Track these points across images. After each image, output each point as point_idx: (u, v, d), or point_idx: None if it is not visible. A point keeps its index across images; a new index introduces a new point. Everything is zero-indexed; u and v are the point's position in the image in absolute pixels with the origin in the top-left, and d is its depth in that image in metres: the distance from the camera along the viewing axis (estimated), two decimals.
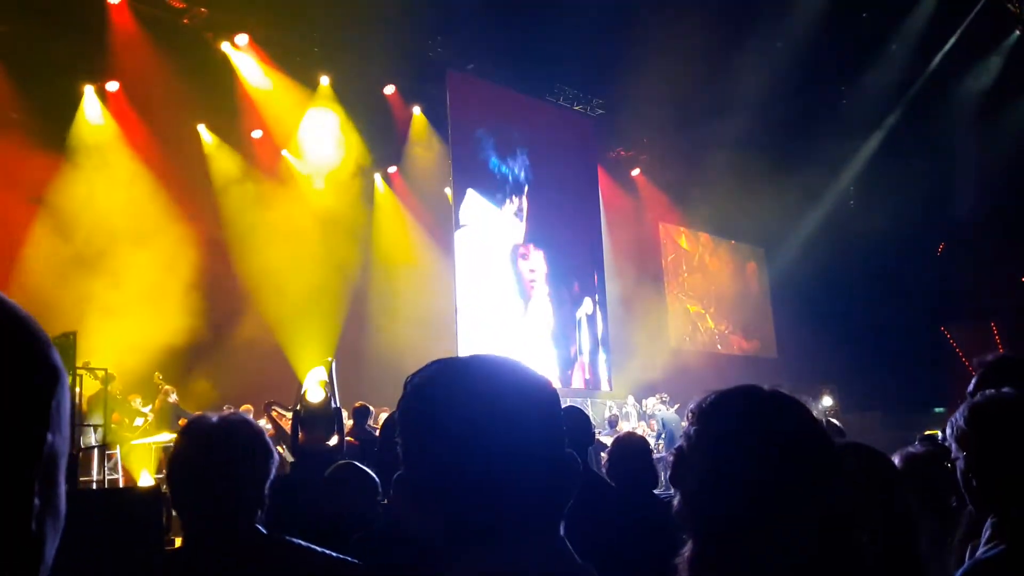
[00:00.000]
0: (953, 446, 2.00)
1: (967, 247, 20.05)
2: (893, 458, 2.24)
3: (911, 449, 2.72)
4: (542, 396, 1.22)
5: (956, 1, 17.66)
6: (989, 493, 1.92)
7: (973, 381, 2.48)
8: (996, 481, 1.90)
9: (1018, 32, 18.18)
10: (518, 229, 17.22)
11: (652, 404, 16.64)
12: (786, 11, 17.26)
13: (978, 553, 1.89)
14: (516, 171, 17.37)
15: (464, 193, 16.34)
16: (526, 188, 17.50)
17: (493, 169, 16.89)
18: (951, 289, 20.14)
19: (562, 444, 1.22)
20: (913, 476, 2.39)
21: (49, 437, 0.75)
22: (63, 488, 0.78)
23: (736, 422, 1.32)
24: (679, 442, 1.38)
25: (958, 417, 1.99)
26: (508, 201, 17.12)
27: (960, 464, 1.98)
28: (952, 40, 18.53)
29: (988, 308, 20.59)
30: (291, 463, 9.03)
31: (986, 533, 1.92)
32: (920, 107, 19.72)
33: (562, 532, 1.20)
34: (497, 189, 16.98)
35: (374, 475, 3.94)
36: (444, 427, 1.16)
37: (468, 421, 1.15)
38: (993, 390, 2.02)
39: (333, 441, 8.74)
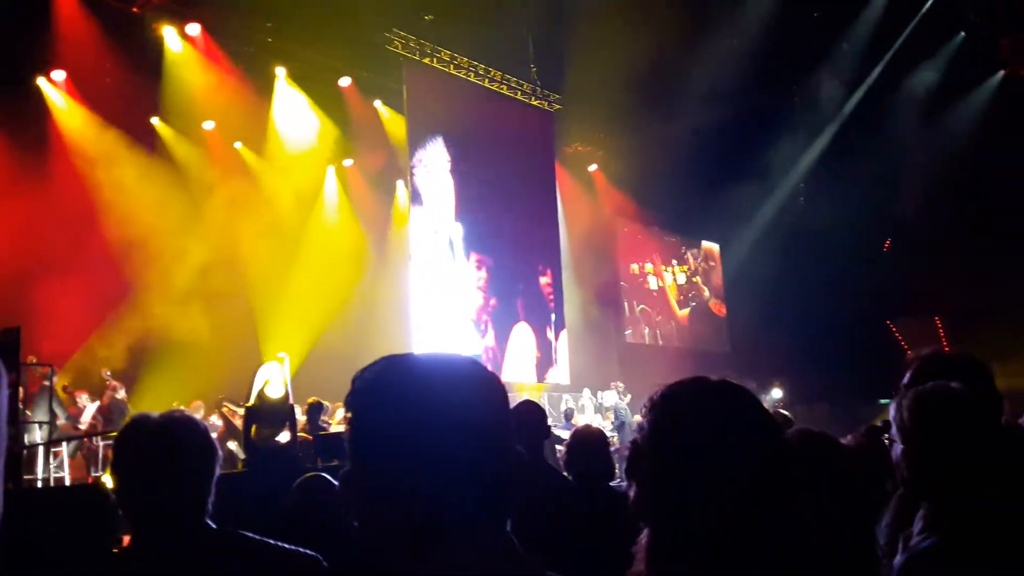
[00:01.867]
0: (894, 434, 2.04)
1: (912, 244, 20.43)
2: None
3: (846, 440, 2.78)
4: (490, 392, 1.21)
5: (905, 2, 17.94)
6: (926, 482, 1.97)
7: (907, 375, 2.52)
8: (934, 472, 1.94)
9: (963, 33, 18.53)
10: (471, 226, 17.16)
11: (609, 396, 16.74)
12: (740, 9, 17.43)
13: (912, 543, 1.93)
14: (462, 168, 17.26)
15: (424, 198, 16.25)
16: (477, 184, 17.42)
17: (436, 167, 16.75)
18: (897, 285, 20.51)
19: (510, 440, 1.21)
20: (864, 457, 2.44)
21: None
22: (1, 486, 0.75)
23: (687, 413, 1.33)
24: (634, 434, 1.39)
25: (902, 406, 2.03)
26: (452, 200, 17.01)
27: (899, 452, 2.02)
28: (900, 41, 18.85)
29: (932, 304, 21.01)
30: (243, 459, 8.93)
31: (918, 523, 1.96)
32: (868, 106, 20.05)
33: (509, 527, 1.19)
34: (441, 189, 16.86)
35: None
36: (390, 424, 1.16)
37: (414, 417, 1.14)
38: (937, 382, 2.05)
39: (285, 437, 8.65)
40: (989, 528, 1.84)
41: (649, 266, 23.34)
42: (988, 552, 1.81)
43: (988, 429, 1.95)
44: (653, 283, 23.42)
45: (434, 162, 16.60)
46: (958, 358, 2.57)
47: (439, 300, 15.99)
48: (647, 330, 22.64)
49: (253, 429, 8.56)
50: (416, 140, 16.25)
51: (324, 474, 3.97)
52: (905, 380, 2.43)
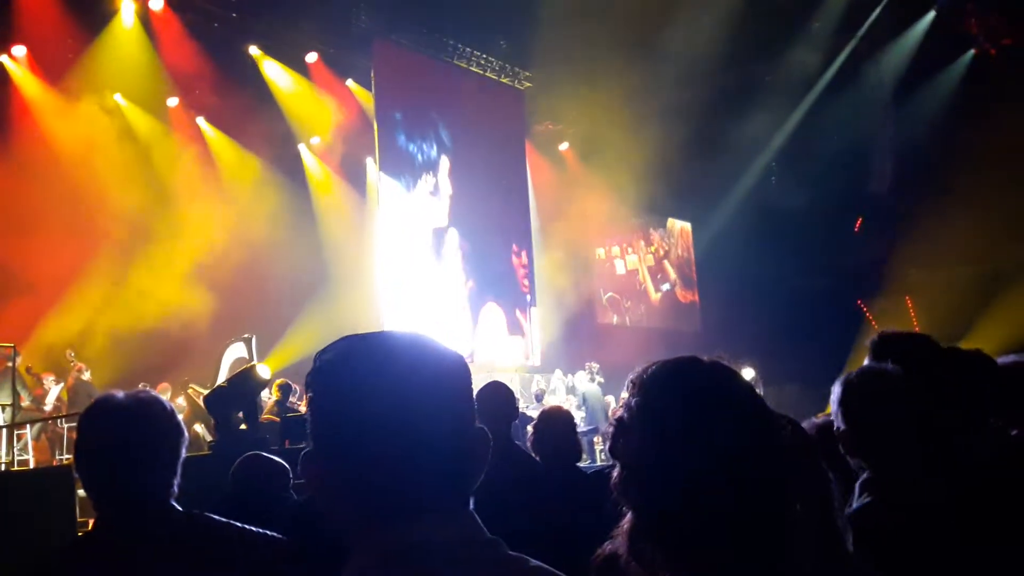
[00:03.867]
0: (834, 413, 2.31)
1: (883, 223, 20.60)
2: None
3: (815, 420, 2.88)
4: (451, 371, 1.22)
5: None
6: (857, 455, 2.24)
7: (867, 359, 2.64)
8: (861, 445, 2.22)
9: (933, 12, 18.65)
10: (439, 209, 17.07)
11: (579, 377, 16.77)
12: None
13: (852, 507, 2.16)
14: (432, 149, 17.15)
15: (386, 175, 16.15)
16: (447, 165, 17.35)
17: (404, 148, 16.63)
18: (868, 264, 20.69)
19: (471, 419, 1.22)
20: (822, 444, 2.51)
21: None
22: None
23: (680, 392, 1.31)
24: (620, 412, 1.36)
25: (833, 390, 2.30)
26: (422, 181, 16.90)
27: (839, 432, 2.28)
28: (871, 19, 18.94)
29: (903, 283, 21.24)
30: (209, 442, 8.84)
31: (857, 488, 2.22)
32: (839, 85, 20.13)
33: (472, 506, 1.20)
34: (410, 169, 16.72)
35: (282, 461, 3.91)
36: (350, 403, 1.16)
37: (374, 397, 1.15)
38: (866, 364, 2.36)
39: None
40: (908, 489, 2.11)
41: (616, 249, 23.33)
42: (908, 507, 2.07)
43: (905, 405, 2.17)
44: (620, 267, 23.43)
45: (391, 150, 16.49)
46: (910, 337, 2.76)
47: (422, 287, 15.91)
48: (615, 318, 22.69)
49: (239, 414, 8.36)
50: (380, 119, 16.09)
51: (263, 453, 3.96)
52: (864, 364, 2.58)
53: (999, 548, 2.00)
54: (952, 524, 2.02)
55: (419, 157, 16.80)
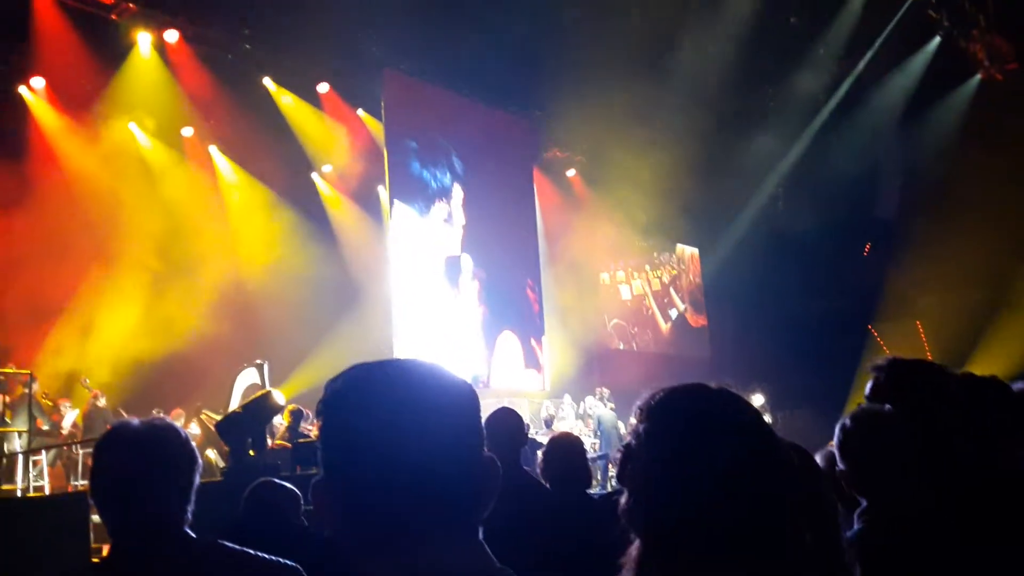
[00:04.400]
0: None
1: (892, 248, 20.55)
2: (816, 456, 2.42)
3: (829, 448, 2.87)
4: (461, 399, 1.22)
5: (880, 7, 18.07)
6: (858, 492, 2.37)
7: (868, 386, 2.66)
8: (860, 483, 2.36)
9: (939, 37, 18.70)
10: (451, 236, 17.14)
11: (590, 402, 16.74)
12: (717, 15, 17.51)
13: (849, 533, 2.27)
14: (445, 177, 17.24)
15: (392, 203, 16.23)
16: (460, 193, 17.43)
17: (419, 175, 16.70)
18: (878, 289, 20.62)
19: (480, 447, 1.22)
20: (831, 473, 2.55)
21: None
22: None
23: (687, 420, 1.31)
24: (627, 439, 1.37)
25: (836, 432, 2.43)
26: (435, 208, 16.99)
27: (839, 471, 2.41)
28: (876, 45, 18.99)
29: (913, 307, 21.15)
30: (222, 469, 8.86)
31: (855, 519, 2.34)
32: (845, 110, 20.17)
33: (481, 535, 1.20)
34: (424, 196, 16.80)
35: (293, 488, 3.92)
36: (360, 431, 1.17)
37: (384, 425, 1.15)
38: (862, 407, 2.49)
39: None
40: (901, 521, 2.21)
41: (621, 274, 23.22)
42: (900, 535, 2.17)
43: (899, 446, 2.31)
44: (626, 292, 23.31)
45: (405, 177, 16.62)
46: (912, 366, 2.71)
47: (437, 314, 15.93)
48: (622, 345, 22.61)
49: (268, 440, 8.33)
50: (392, 147, 16.19)
51: (274, 480, 3.97)
52: (867, 393, 2.66)
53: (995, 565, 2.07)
54: (947, 548, 2.09)
55: (432, 184, 16.87)
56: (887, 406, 2.41)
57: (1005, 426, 2.64)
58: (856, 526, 2.30)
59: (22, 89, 13.49)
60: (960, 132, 19.45)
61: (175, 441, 2.02)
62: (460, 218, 17.29)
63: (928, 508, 2.20)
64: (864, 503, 2.34)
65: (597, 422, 15.44)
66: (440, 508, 1.16)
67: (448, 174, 17.23)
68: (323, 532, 1.21)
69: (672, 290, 24.61)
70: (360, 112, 17.18)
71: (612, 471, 13.77)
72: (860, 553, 2.09)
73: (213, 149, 15.85)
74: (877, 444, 2.33)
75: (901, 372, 2.64)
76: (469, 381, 1.27)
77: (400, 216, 15.99)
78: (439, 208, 16.94)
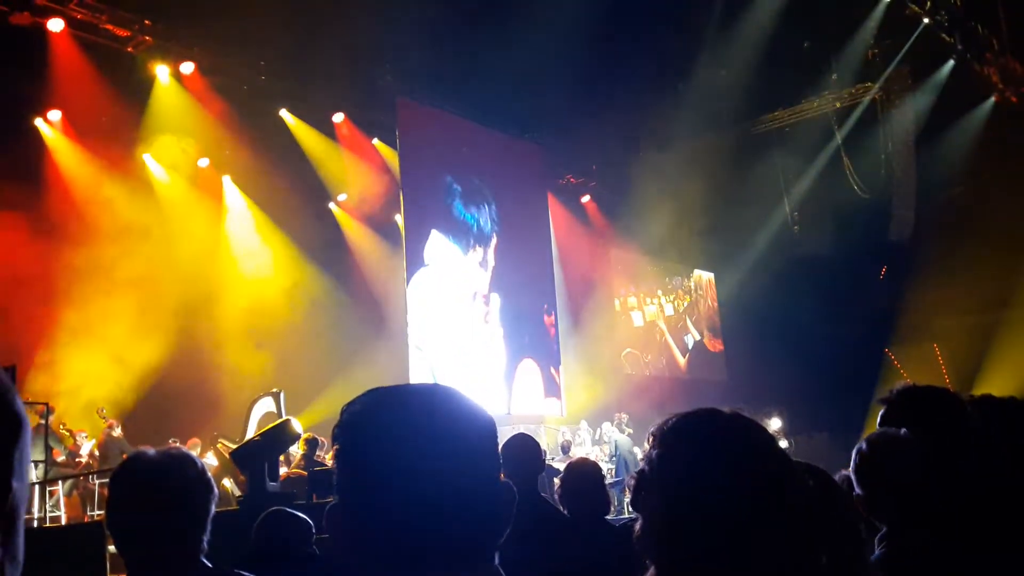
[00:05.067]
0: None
1: (908, 270, 20.46)
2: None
3: (845, 472, 2.86)
4: (477, 426, 1.21)
5: (894, 31, 18.12)
6: (874, 516, 2.34)
7: (881, 413, 2.63)
8: (876, 508, 2.33)
9: (952, 61, 18.71)
10: (470, 264, 17.20)
11: (607, 428, 16.67)
12: (730, 40, 17.59)
13: (873, 556, 2.25)
14: (481, 218, 17.38)
15: (428, 233, 16.29)
16: (494, 235, 17.55)
17: (433, 204, 16.80)
18: (894, 312, 20.52)
19: (496, 474, 1.21)
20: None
21: (14, 484, 0.73)
22: (23, 535, 0.76)
23: (699, 445, 1.31)
24: (640, 465, 1.36)
25: (853, 456, 2.42)
26: (472, 248, 17.09)
27: (856, 496, 2.38)
28: (890, 68, 19.02)
29: (930, 330, 21.02)
30: (238, 497, 8.84)
31: (876, 544, 2.30)
32: (861, 133, 20.17)
33: (497, 561, 1.19)
34: (461, 234, 16.93)
35: (305, 517, 3.91)
36: (376, 456, 1.16)
37: (400, 450, 1.15)
38: (878, 431, 2.45)
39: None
40: (919, 545, 2.20)
41: (633, 300, 23.13)
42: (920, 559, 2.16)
43: (915, 471, 2.28)
44: (639, 318, 23.23)
45: (437, 209, 16.76)
46: (925, 392, 2.69)
47: (438, 342, 15.95)
48: (634, 371, 22.49)
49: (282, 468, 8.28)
50: (409, 175, 16.27)
51: (286, 509, 3.96)
52: (879, 421, 2.61)
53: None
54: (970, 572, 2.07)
55: (446, 212, 16.93)
56: (903, 430, 2.38)
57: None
58: (877, 551, 2.28)
59: (38, 121, 13.63)
60: (975, 154, 19.42)
61: (191, 471, 2.02)
62: (489, 247, 17.39)
63: (947, 533, 2.19)
64: (884, 528, 2.32)
65: (614, 447, 15.37)
66: (456, 534, 1.15)
67: (460, 200, 17.28)
68: (334, 559, 1.20)
69: (688, 318, 24.52)
70: (376, 141, 17.29)
71: (627, 497, 13.69)
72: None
73: (228, 179, 15.92)
74: (893, 469, 2.31)
75: (912, 400, 2.62)
76: (488, 411, 1.26)
77: (413, 243, 16.04)
78: (457, 235, 17.00)
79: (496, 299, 17.44)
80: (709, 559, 1.24)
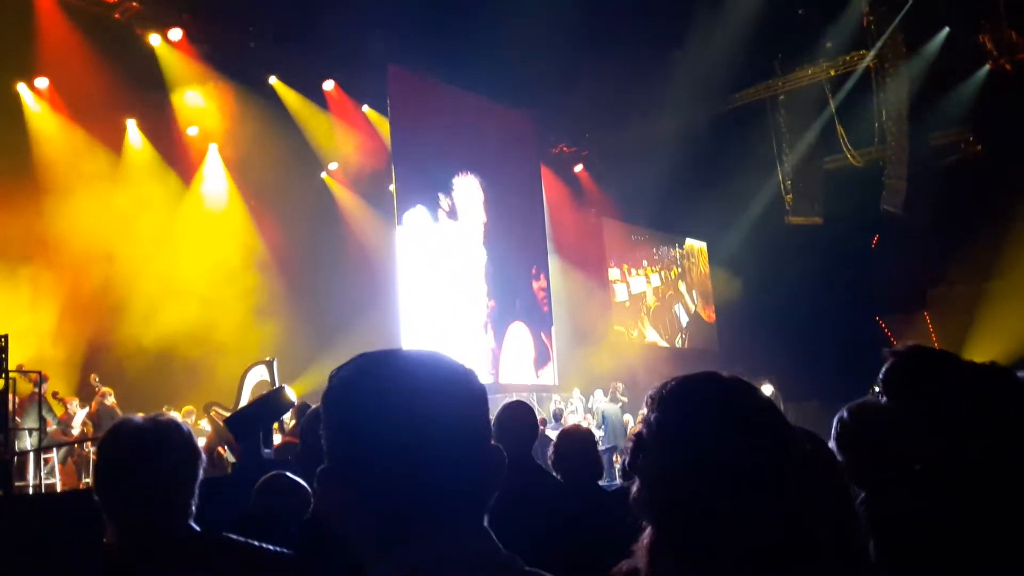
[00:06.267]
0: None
1: (900, 240, 20.49)
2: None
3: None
4: (467, 389, 1.22)
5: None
6: (855, 482, 2.33)
7: (884, 369, 2.67)
8: (857, 475, 2.36)
9: (947, 29, 18.62)
10: (458, 231, 17.13)
11: (598, 397, 16.75)
12: (724, 8, 17.47)
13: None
14: (449, 173, 17.23)
15: (419, 201, 16.21)
16: (466, 187, 17.41)
17: (426, 172, 16.68)
18: (886, 281, 20.57)
19: (486, 437, 1.22)
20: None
21: None
22: None
23: (698, 408, 1.32)
24: (639, 429, 1.37)
25: (834, 424, 2.49)
26: (441, 203, 16.97)
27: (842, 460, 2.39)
28: (884, 36, 18.92)
29: (921, 299, 21.10)
30: (232, 464, 8.86)
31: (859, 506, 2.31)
32: (854, 102, 20.11)
33: (486, 523, 1.20)
34: (431, 193, 16.76)
35: (303, 483, 3.92)
36: (365, 419, 1.17)
37: (389, 413, 1.15)
38: (862, 402, 2.52)
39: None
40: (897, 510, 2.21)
41: (629, 269, 23.11)
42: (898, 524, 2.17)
43: (894, 440, 2.36)
44: (636, 285, 23.19)
45: (449, 180, 16.71)
46: (930, 354, 2.73)
47: (428, 309, 15.94)
48: (635, 329, 22.54)
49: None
50: (400, 145, 16.16)
51: (286, 473, 3.97)
52: (880, 376, 2.67)
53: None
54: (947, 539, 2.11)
55: (438, 180, 16.84)
56: (883, 399, 2.51)
57: (1012, 414, 2.61)
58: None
59: (22, 88, 13.49)
60: (969, 123, 19.39)
61: (177, 437, 2.03)
62: (467, 212, 17.26)
63: (926, 497, 2.23)
64: (863, 494, 2.37)
65: (601, 417, 15.46)
66: (446, 497, 1.16)
67: (453, 170, 17.18)
68: (324, 523, 1.20)
69: (683, 287, 24.55)
70: (365, 108, 17.17)
71: (617, 463, 13.79)
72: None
73: (214, 147, 15.82)
74: (871, 438, 2.39)
75: (919, 360, 2.66)
76: (479, 376, 1.26)
77: (406, 211, 15.98)
78: (444, 203, 16.91)
79: (487, 265, 17.40)
80: (707, 521, 1.25)
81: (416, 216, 16.18)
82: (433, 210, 16.59)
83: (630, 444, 1.39)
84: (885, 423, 2.41)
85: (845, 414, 2.48)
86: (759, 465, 1.26)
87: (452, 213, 17.03)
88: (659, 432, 1.32)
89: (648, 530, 1.33)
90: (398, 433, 1.14)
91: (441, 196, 16.84)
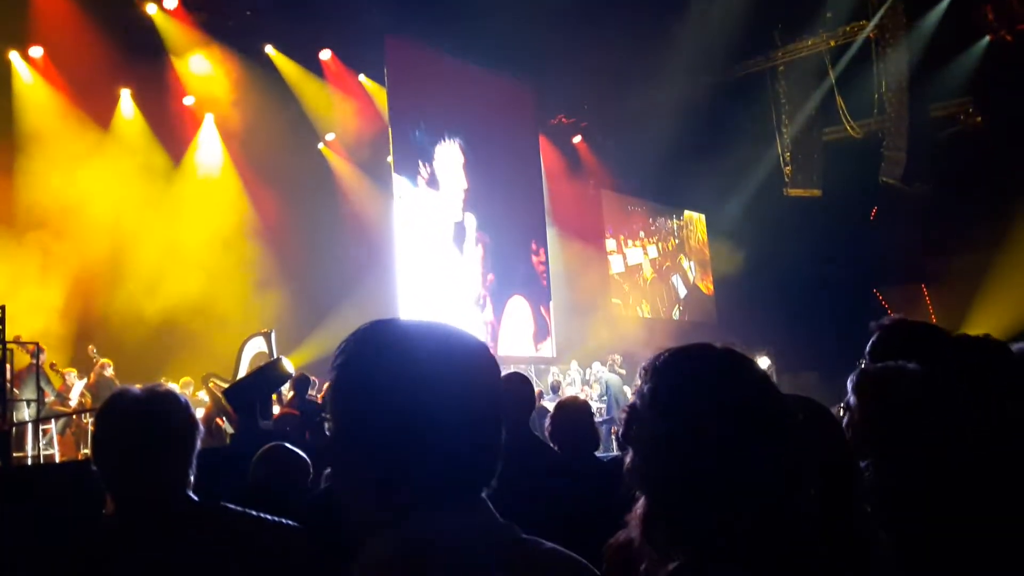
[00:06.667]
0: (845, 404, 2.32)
1: (899, 212, 20.47)
2: None
3: (834, 409, 2.81)
4: (477, 363, 1.22)
5: None
6: (864, 449, 2.20)
7: (871, 341, 2.65)
8: (866, 441, 2.21)
9: (947, 0, 18.48)
10: (457, 203, 17.08)
11: (597, 368, 16.78)
12: None
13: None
14: (448, 143, 17.13)
15: (416, 172, 16.14)
16: (464, 159, 17.34)
17: (422, 143, 16.57)
18: (884, 252, 20.57)
19: (496, 409, 1.22)
20: None
21: None
22: None
23: (692, 379, 1.32)
24: (632, 399, 1.37)
25: (848, 381, 2.31)
26: (440, 175, 16.89)
27: (847, 424, 2.25)
28: (884, 7, 18.80)
29: (919, 270, 21.11)
30: (231, 435, 8.90)
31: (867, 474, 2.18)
32: (853, 73, 20.00)
33: (484, 494, 1.20)
34: (427, 163, 16.68)
35: (303, 454, 3.94)
36: (374, 383, 1.17)
37: (396, 384, 1.15)
38: (889, 362, 2.30)
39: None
40: (914, 489, 2.07)
41: (626, 241, 23.05)
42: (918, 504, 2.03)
43: (920, 407, 2.15)
44: (632, 257, 23.10)
45: (447, 151, 16.57)
46: (916, 327, 2.70)
47: (444, 281, 15.91)
48: (627, 310, 22.49)
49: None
50: (396, 116, 16.06)
51: (285, 445, 3.98)
52: (867, 348, 2.63)
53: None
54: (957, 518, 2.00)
55: (436, 151, 16.77)
56: (911, 364, 2.25)
57: (1006, 387, 2.59)
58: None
59: (14, 56, 13.39)
60: (969, 94, 19.31)
61: (175, 407, 2.03)
62: (464, 184, 17.20)
63: (940, 471, 2.09)
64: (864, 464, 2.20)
65: (605, 387, 15.51)
66: (448, 470, 1.16)
67: (452, 140, 17.12)
68: (328, 495, 1.20)
69: (681, 259, 24.54)
70: (362, 78, 17.06)
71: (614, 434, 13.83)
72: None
73: (210, 117, 15.73)
74: (891, 399, 2.19)
75: (903, 332, 2.63)
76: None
77: (404, 183, 15.92)
78: (443, 175, 16.86)
79: (486, 237, 17.38)
80: (699, 491, 1.26)
81: (413, 187, 16.13)
82: (432, 182, 16.53)
83: (624, 415, 1.39)
84: (909, 385, 2.19)
85: (861, 375, 2.30)
86: (750, 436, 1.26)
87: (450, 184, 16.97)
88: (652, 403, 1.33)
89: (641, 500, 1.34)
90: (403, 399, 1.14)
91: (439, 167, 16.78)
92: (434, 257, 16.17)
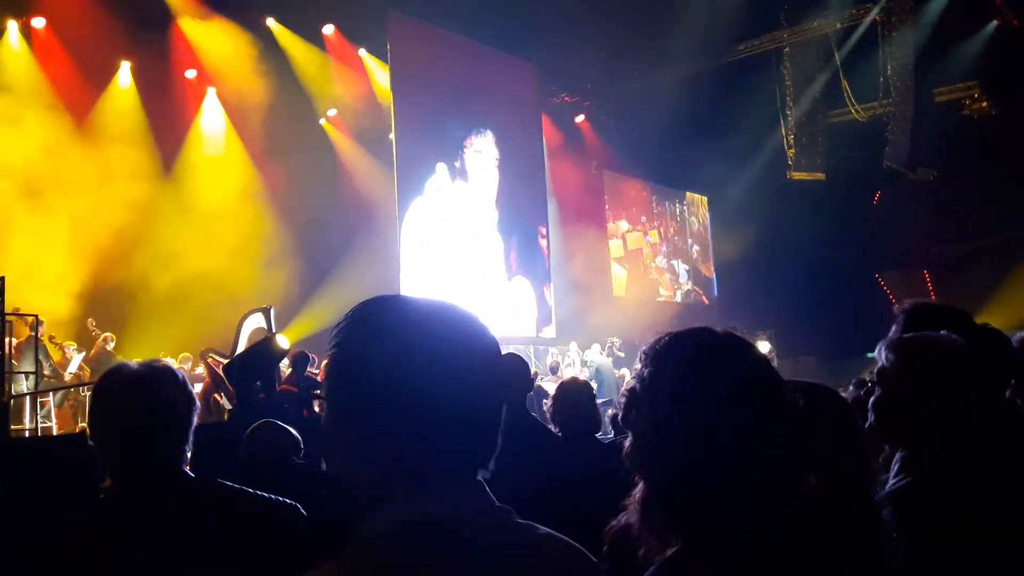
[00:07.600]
0: (874, 378, 2.13)
1: (902, 197, 20.43)
2: None
3: (844, 394, 2.73)
4: (477, 343, 1.20)
5: None
6: (902, 428, 2.04)
7: (893, 328, 2.56)
8: (909, 417, 2.02)
9: None
10: (459, 181, 17.04)
11: (594, 351, 16.80)
12: None
13: (887, 486, 2.00)
14: (451, 122, 17.07)
15: (418, 148, 16.10)
16: (469, 137, 17.30)
17: (424, 120, 16.49)
18: (886, 237, 20.55)
19: (496, 390, 1.20)
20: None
21: None
22: None
23: (691, 363, 1.31)
24: (632, 383, 1.36)
25: (882, 353, 2.09)
26: (442, 152, 16.84)
27: (878, 399, 2.09)
28: None
29: (921, 256, 21.10)
30: (229, 411, 8.88)
31: (895, 467, 2.05)
32: (859, 56, 19.91)
33: (480, 477, 1.19)
34: (429, 140, 16.62)
35: (293, 431, 3.93)
36: (374, 359, 1.15)
37: (395, 364, 1.13)
38: (925, 332, 2.11)
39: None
40: (959, 471, 1.92)
41: (626, 224, 22.95)
42: (957, 493, 1.89)
43: (966, 378, 1.99)
44: (620, 246, 23.04)
45: (449, 129, 16.58)
46: (943, 309, 2.61)
47: (445, 259, 15.92)
48: (633, 282, 22.50)
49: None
50: (401, 92, 15.99)
51: (276, 422, 3.98)
52: (891, 334, 2.44)
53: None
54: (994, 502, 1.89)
55: (438, 129, 16.71)
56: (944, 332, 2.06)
57: (1006, 376, 2.56)
58: (892, 481, 2.02)
59: (11, 24, 13.31)
60: (975, 79, 19.22)
61: (172, 383, 2.03)
62: (464, 160, 17.15)
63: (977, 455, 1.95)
64: (903, 451, 2.08)
65: (595, 371, 15.51)
66: (446, 450, 1.15)
67: (455, 119, 17.05)
68: (321, 473, 1.19)
69: (682, 241, 24.50)
70: (362, 52, 16.96)
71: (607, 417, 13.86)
72: (906, 513, 1.78)
73: (212, 91, 15.66)
74: (939, 378, 1.98)
75: (929, 315, 2.54)
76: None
77: (404, 159, 15.87)
78: (446, 153, 16.81)
79: (489, 216, 17.35)
80: (698, 475, 1.25)
81: (415, 164, 16.08)
82: (432, 158, 16.48)
83: (623, 399, 1.38)
84: (951, 356, 1.99)
85: (907, 340, 2.07)
86: (749, 420, 1.25)
87: (453, 162, 16.92)
88: (651, 387, 1.32)
89: (640, 484, 1.33)
90: (402, 375, 1.13)
91: (441, 143, 16.73)
92: (439, 235, 16.13)
